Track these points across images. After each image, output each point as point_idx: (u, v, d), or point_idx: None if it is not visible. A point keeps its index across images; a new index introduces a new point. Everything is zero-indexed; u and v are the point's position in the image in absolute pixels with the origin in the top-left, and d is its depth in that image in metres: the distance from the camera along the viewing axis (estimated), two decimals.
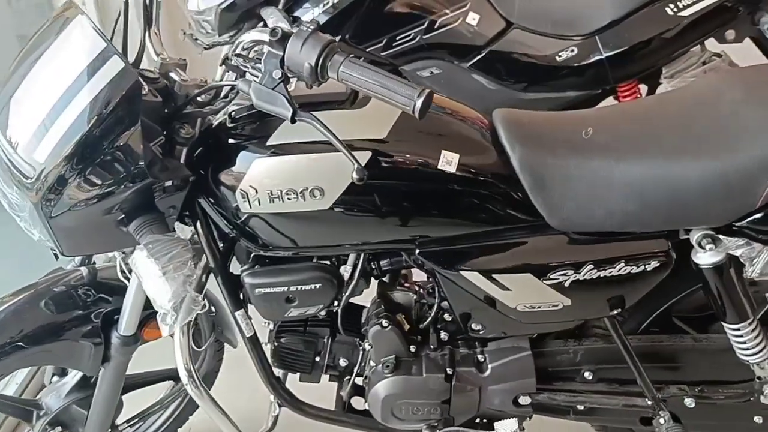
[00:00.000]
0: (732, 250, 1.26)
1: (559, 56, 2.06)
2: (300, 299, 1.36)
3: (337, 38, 2.22)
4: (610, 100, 2.20)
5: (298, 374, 1.55)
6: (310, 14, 2.10)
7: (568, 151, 1.25)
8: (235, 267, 1.43)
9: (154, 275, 1.11)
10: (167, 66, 1.24)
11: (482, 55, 2.10)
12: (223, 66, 1.24)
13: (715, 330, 1.53)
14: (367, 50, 2.14)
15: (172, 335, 1.30)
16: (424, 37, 2.08)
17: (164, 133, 1.17)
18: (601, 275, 1.30)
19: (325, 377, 1.56)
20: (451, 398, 1.44)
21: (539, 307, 1.34)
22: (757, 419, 1.51)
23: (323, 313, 1.44)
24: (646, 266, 1.29)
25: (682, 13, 1.99)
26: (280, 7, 2.11)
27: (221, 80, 1.44)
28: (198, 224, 1.34)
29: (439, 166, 1.21)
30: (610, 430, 1.66)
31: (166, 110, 1.19)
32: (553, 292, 1.31)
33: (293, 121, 1.06)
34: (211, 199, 1.31)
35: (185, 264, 1.13)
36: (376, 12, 2.09)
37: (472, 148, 1.25)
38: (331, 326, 1.51)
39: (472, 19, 2.09)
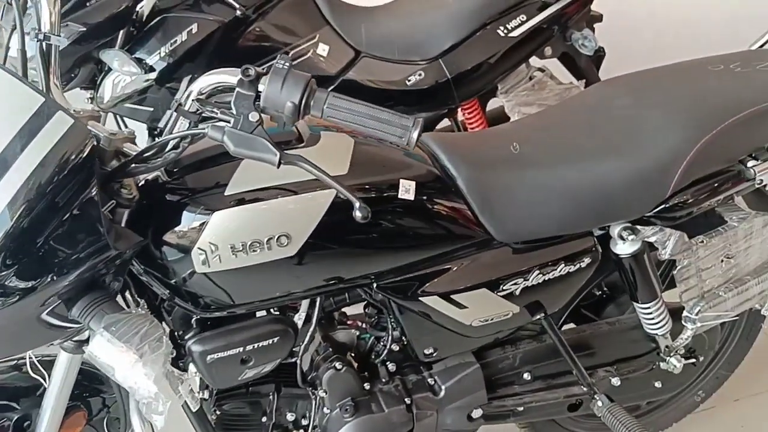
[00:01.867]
0: (648, 237, 1.42)
1: (409, 80, 2.15)
2: (257, 358, 1.26)
3: (187, 78, 2.11)
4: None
5: None
6: (155, 56, 1.95)
7: (505, 167, 1.32)
8: None
9: (128, 362, 0.95)
10: (81, 120, 1.07)
11: (335, 85, 2.11)
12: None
13: (610, 313, 1.71)
14: None
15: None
16: None
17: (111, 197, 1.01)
18: (545, 278, 1.38)
19: None
20: (413, 428, 1.43)
21: (492, 320, 1.39)
22: (657, 384, 1.71)
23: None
24: (581, 263, 1.40)
25: (511, 34, 2.19)
26: (117, 48, 1.96)
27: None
28: (127, 293, 1.18)
29: (399, 196, 1.20)
30: (535, 426, 1.75)
31: (101, 170, 1.03)
32: (505, 302, 1.37)
33: (279, 165, 0.99)
34: (143, 265, 1.16)
35: (160, 341, 0.98)
36: (226, 49, 2.01)
37: (422, 175, 1.26)
38: (275, 381, 1.42)
39: (323, 50, 2.10)
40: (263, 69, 0.97)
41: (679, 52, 1.67)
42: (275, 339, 1.26)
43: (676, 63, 1.55)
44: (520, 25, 2.19)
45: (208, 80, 1.03)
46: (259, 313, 1.29)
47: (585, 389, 1.55)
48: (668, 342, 1.61)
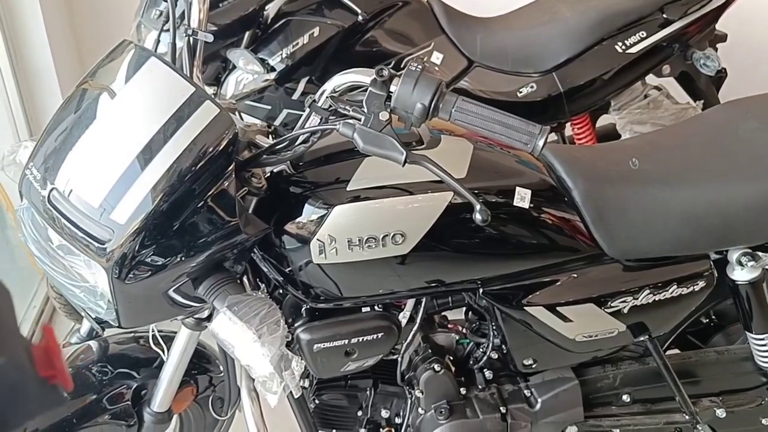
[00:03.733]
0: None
1: (520, 92, 2.14)
2: (360, 351, 1.29)
3: (305, 79, 2.18)
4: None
5: None
6: (277, 57, 2.03)
7: (623, 183, 1.30)
8: None
9: (248, 340, 1.00)
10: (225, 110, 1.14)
11: None
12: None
13: (718, 342, 1.65)
14: None
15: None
16: None
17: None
18: (656, 299, 1.35)
19: None
20: None
21: (596, 336, 1.37)
22: (765, 421, 1.63)
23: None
24: (695, 287, 1.36)
25: (629, 51, 2.15)
26: (243, 48, 2.06)
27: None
28: (244, 279, 1.24)
29: (514, 203, 1.21)
30: None
31: (236, 159, 1.09)
32: (612, 319, 1.34)
33: (405, 163, 1.02)
34: (263, 252, 1.22)
35: (278, 324, 1.03)
36: (344, 54, 2.07)
37: (538, 184, 1.26)
38: (373, 376, 1.45)
39: (436, 58, 2.13)
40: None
41: None
42: (379, 335, 1.29)
43: None
44: (639, 42, 2.15)
45: (343, 79, 1.08)
46: (364, 309, 1.32)
47: (687, 417, 1.50)
48: None
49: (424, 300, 1.33)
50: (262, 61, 2.03)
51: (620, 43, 2.14)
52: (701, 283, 1.36)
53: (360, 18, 2.00)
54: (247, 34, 2.06)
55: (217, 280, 1.08)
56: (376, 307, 1.30)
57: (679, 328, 1.54)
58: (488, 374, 1.46)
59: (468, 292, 1.34)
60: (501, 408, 1.42)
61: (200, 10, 1.16)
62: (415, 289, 1.26)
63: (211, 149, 0.98)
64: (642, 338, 1.43)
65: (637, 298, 1.34)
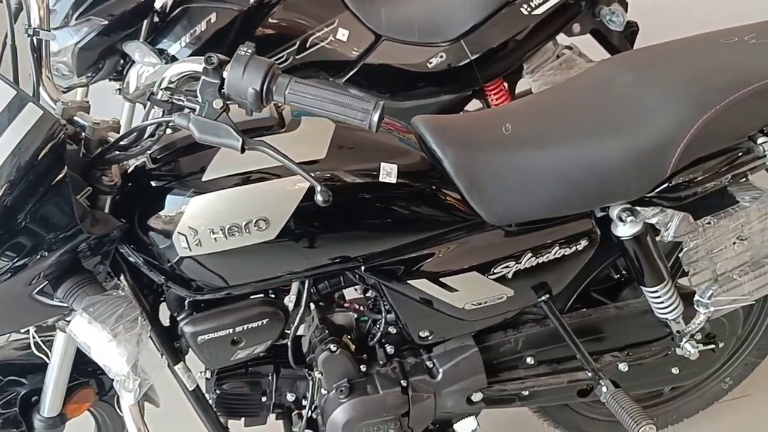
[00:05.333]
0: (649, 218, 1.37)
1: (430, 63, 2.13)
2: (247, 339, 1.29)
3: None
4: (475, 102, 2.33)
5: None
6: (176, 46, 2.00)
7: (494, 149, 1.30)
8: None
9: (103, 341, 1.00)
10: (70, 110, 1.13)
11: (356, 69, 2.12)
12: (128, 103, 1.15)
13: (626, 296, 1.66)
14: None
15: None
16: (297, 57, 2.07)
17: (89, 183, 1.06)
18: (540, 261, 1.36)
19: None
20: (410, 410, 1.43)
21: (485, 303, 1.38)
22: (674, 370, 1.66)
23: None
24: (577, 246, 1.37)
25: (535, 12, 2.14)
26: (141, 40, 2.02)
27: (130, 119, 1.33)
28: (122, 277, 1.23)
29: (380, 179, 1.21)
30: (548, 409, 1.73)
31: (83, 158, 1.08)
32: (498, 285, 1.35)
33: (242, 150, 1.01)
34: (134, 247, 1.21)
35: (135, 322, 1.03)
36: (245, 37, 2.03)
37: (406, 157, 1.26)
38: (274, 361, 1.45)
39: (342, 35, 2.11)
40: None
41: (714, 23, 1.57)
42: (265, 321, 1.29)
43: (688, 37, 1.49)
44: (544, 2, 2.14)
45: (176, 69, 1.06)
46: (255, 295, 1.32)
47: (590, 374, 1.52)
48: (681, 327, 1.55)
49: (307, 282, 1.32)
50: (162, 52, 2.00)
51: (525, 5, 2.13)
52: (584, 242, 1.37)
53: (253, 0, 1.97)
54: (144, 24, 2.03)
55: (76, 282, 1.07)
56: (269, 293, 1.30)
57: (576, 287, 1.56)
58: (390, 349, 1.47)
59: (350, 271, 1.33)
60: (402, 381, 1.43)
61: (39, 8, 1.14)
62: (294, 272, 1.26)
63: (37, 152, 0.97)
64: (535, 301, 1.44)
65: (521, 263, 1.34)
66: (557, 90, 1.46)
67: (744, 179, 1.45)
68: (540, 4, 2.14)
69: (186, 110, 1.03)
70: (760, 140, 1.33)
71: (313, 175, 1.03)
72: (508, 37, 2.15)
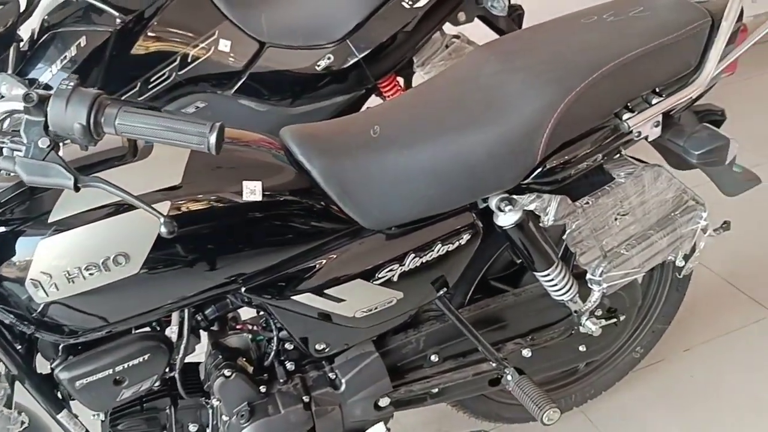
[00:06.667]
0: (527, 206, 1.37)
1: (318, 65, 2.10)
2: (130, 377, 1.24)
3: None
4: (375, 99, 2.31)
5: None
6: (48, 74, 1.92)
7: (362, 153, 1.28)
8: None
9: None
10: None
11: (243, 79, 2.08)
12: None
13: (528, 281, 1.67)
14: (122, 98, 2.02)
15: None
16: (179, 73, 2.01)
17: None
18: (424, 261, 1.34)
19: None
20: (315, 425, 1.41)
21: (376, 309, 1.36)
22: (581, 348, 1.68)
23: (157, 383, 1.32)
24: (460, 241, 1.36)
25: (416, 5, 2.13)
26: (10, 72, 1.93)
27: None
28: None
29: (244, 198, 1.17)
30: (465, 402, 1.73)
31: None
32: (385, 289, 1.33)
33: (77, 189, 0.96)
34: None
35: None
36: (122, 58, 1.98)
37: (271, 173, 1.23)
38: (170, 394, 1.40)
39: (224, 46, 2.06)
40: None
41: None
42: (146, 356, 1.24)
43: (551, 20, 1.49)
44: None
45: None
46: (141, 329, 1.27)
47: (494, 364, 1.52)
48: (579, 306, 1.57)
49: (186, 311, 1.28)
50: (33, 82, 1.91)
51: (406, 0, 2.12)
52: (467, 236, 1.36)
53: (118, 21, 1.90)
54: (11, 54, 1.94)
55: None
56: (153, 327, 1.26)
57: (473, 279, 1.56)
58: (290, 365, 1.44)
59: (232, 294, 1.29)
60: (304, 397, 1.41)
61: None
62: (170, 303, 1.21)
63: None
64: (430, 299, 1.43)
65: (405, 264, 1.33)
66: (425, 86, 1.45)
67: (618, 155, 1.46)
68: None
69: (9, 152, 0.97)
70: (625, 116, 1.34)
71: (155, 207, 0.99)
72: (393, 32, 2.14)
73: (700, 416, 1.90)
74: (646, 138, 1.39)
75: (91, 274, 1.09)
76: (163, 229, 0.96)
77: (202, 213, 1.15)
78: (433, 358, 1.53)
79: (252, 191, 1.17)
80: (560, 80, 1.29)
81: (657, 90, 1.37)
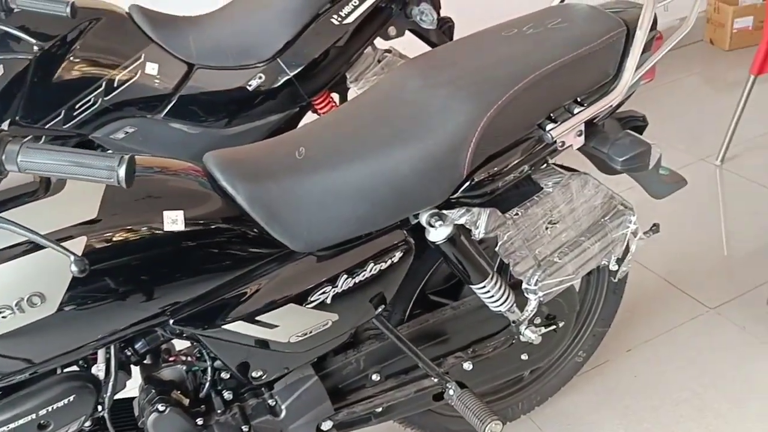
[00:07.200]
0: (457, 220, 1.37)
1: (250, 85, 2.08)
2: (56, 421, 1.19)
3: (6, 122, 2.01)
4: (311, 116, 2.29)
5: None
6: None
7: (288, 176, 1.26)
8: None
9: None
10: None
11: (173, 102, 2.04)
12: None
13: (467, 293, 1.67)
14: (46, 127, 1.96)
15: None
16: (106, 98, 1.97)
17: None
18: (357, 281, 1.33)
19: None
20: None
21: (311, 332, 1.34)
22: (524, 356, 1.68)
23: (88, 424, 1.28)
24: (393, 259, 1.35)
25: (346, 21, 2.13)
26: None
27: None
28: None
29: (165, 228, 1.14)
30: (412, 418, 1.72)
31: None
32: (319, 312, 1.32)
33: None
34: None
35: None
36: (44, 85, 1.92)
37: (193, 201, 1.20)
38: None
39: (151, 69, 2.02)
40: None
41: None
42: (71, 397, 1.20)
43: (474, 33, 1.50)
44: (353, 11, 2.13)
45: None
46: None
47: (435, 380, 1.51)
48: (517, 316, 1.57)
49: (112, 347, 1.23)
50: None
51: (335, 16, 2.12)
52: (399, 254, 1.36)
53: (36, 48, 1.84)
54: None
55: None
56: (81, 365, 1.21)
57: (410, 296, 1.55)
58: (228, 395, 1.41)
59: (160, 327, 1.26)
60: (243, 427, 1.38)
61: None
62: (94, 341, 1.17)
63: None
64: (367, 319, 1.42)
65: (337, 286, 1.31)
66: (350, 105, 1.44)
67: (545, 165, 1.48)
68: (350, 13, 2.13)
69: None
70: (548, 127, 1.36)
71: (70, 243, 0.95)
72: (324, 48, 2.13)
73: (644, 415, 1.93)
74: (570, 147, 1.41)
75: (4, 317, 1.05)
76: (74, 268, 0.93)
77: (121, 246, 1.11)
78: (375, 377, 1.51)
79: (174, 221, 1.14)
80: (482, 94, 1.30)
81: (578, 99, 1.39)
